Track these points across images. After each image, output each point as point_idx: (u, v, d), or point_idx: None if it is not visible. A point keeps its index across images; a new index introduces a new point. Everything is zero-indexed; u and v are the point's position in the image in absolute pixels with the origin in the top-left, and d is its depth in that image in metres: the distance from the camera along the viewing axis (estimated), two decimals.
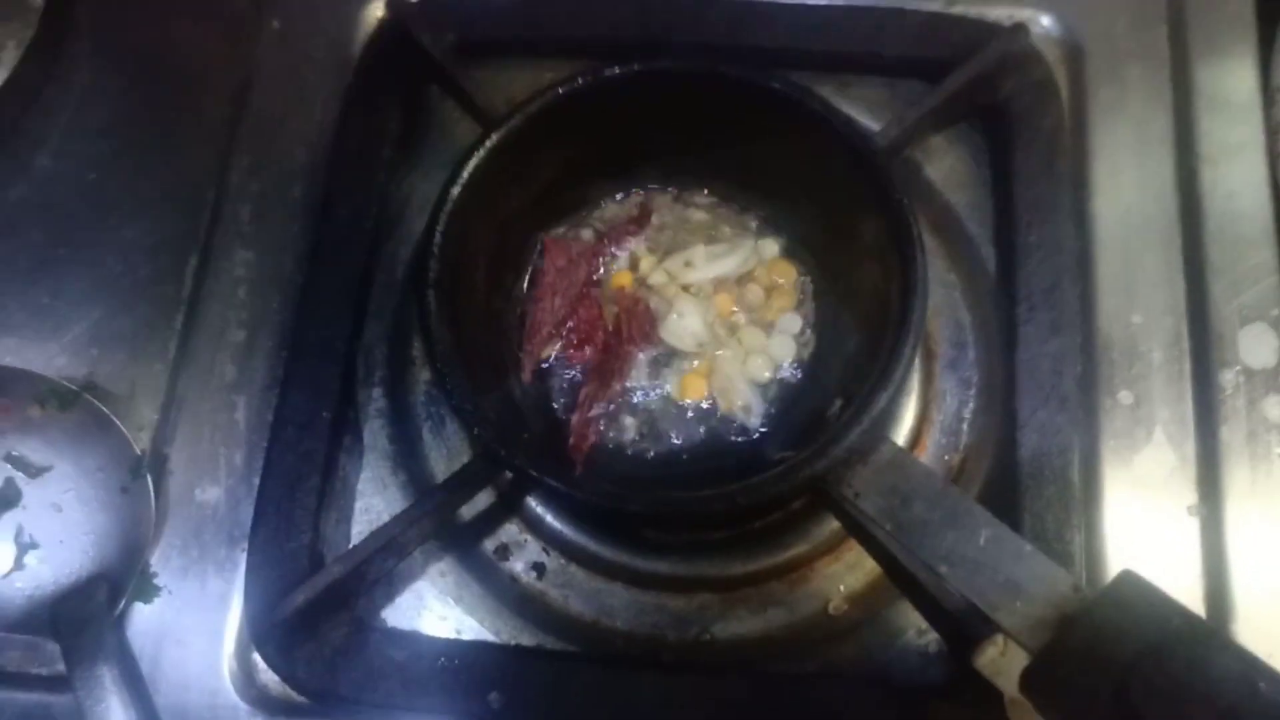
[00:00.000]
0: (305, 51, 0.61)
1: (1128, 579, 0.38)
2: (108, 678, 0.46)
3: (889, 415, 0.52)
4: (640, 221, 0.55)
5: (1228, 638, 0.45)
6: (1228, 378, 0.52)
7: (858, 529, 0.49)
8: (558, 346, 0.53)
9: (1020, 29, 0.56)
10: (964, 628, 0.47)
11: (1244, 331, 0.52)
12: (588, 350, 0.53)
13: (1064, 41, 0.60)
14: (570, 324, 0.53)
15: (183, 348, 0.56)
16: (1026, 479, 0.49)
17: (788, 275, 0.55)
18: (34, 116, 0.61)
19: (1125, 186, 0.56)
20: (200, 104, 0.61)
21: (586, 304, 0.53)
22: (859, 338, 0.51)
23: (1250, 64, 0.57)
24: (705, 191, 0.57)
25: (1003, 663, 0.45)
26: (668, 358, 0.54)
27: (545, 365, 0.54)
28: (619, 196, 0.56)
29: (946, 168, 0.58)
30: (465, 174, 0.46)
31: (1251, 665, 0.35)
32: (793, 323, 0.54)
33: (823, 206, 0.53)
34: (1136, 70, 0.58)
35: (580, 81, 0.48)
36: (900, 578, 0.49)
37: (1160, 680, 0.35)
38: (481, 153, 0.47)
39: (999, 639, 0.45)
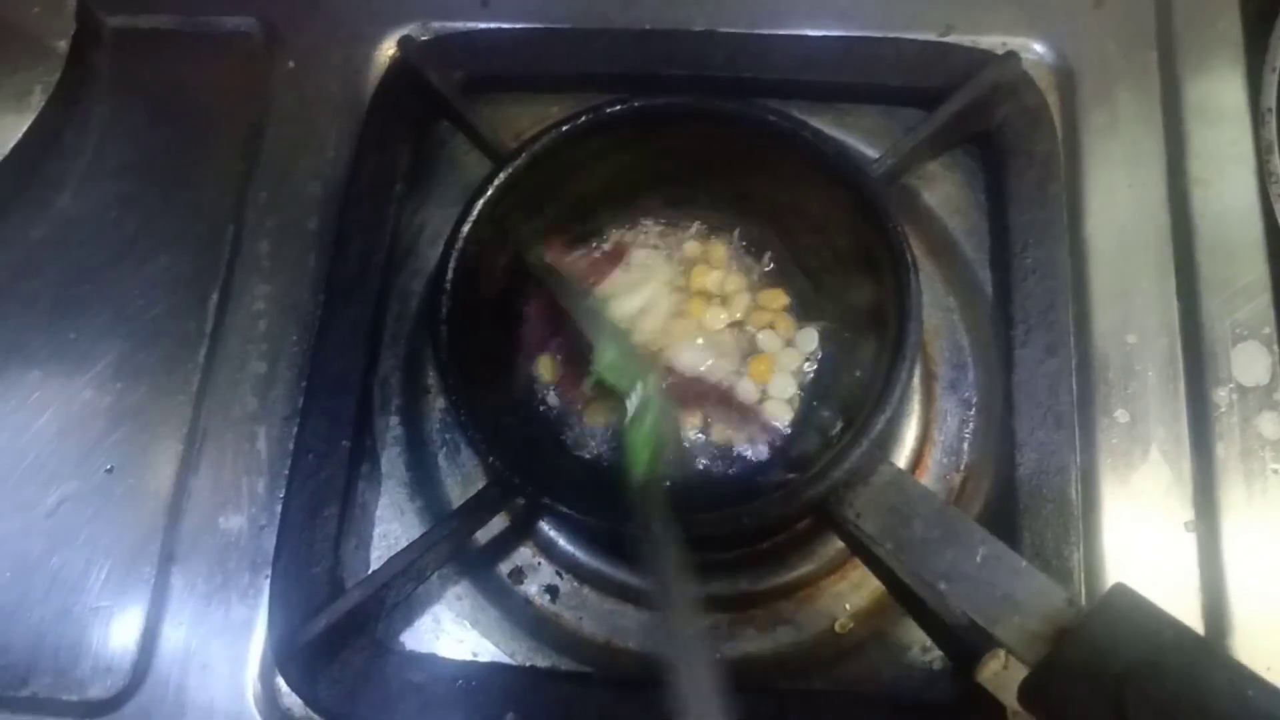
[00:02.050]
0: (319, 90, 0.63)
1: (1120, 592, 0.39)
2: None
3: (889, 437, 0.54)
4: (613, 260, 0.55)
5: (1218, 649, 0.47)
6: (1221, 395, 0.53)
7: (861, 549, 0.50)
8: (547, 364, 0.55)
9: (1012, 56, 0.57)
10: (966, 644, 0.48)
11: (1237, 349, 0.53)
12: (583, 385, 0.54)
13: (1056, 67, 0.61)
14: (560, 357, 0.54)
15: (205, 381, 0.57)
16: (1025, 498, 0.50)
17: (778, 302, 0.56)
18: (55, 158, 0.63)
19: (1119, 208, 0.57)
20: (217, 142, 0.63)
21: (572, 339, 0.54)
22: (861, 361, 0.52)
23: (1239, 85, 0.58)
24: (698, 222, 0.57)
25: (1005, 676, 0.46)
26: None
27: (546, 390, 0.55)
28: (624, 228, 0.57)
29: (944, 193, 0.59)
30: (474, 212, 0.48)
31: (1241, 675, 0.36)
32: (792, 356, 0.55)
33: (822, 234, 0.54)
34: (1127, 93, 0.59)
35: (581, 120, 0.50)
36: (903, 596, 0.50)
37: (1153, 692, 0.36)
38: (490, 191, 0.48)
39: (1001, 653, 0.46)
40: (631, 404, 0.49)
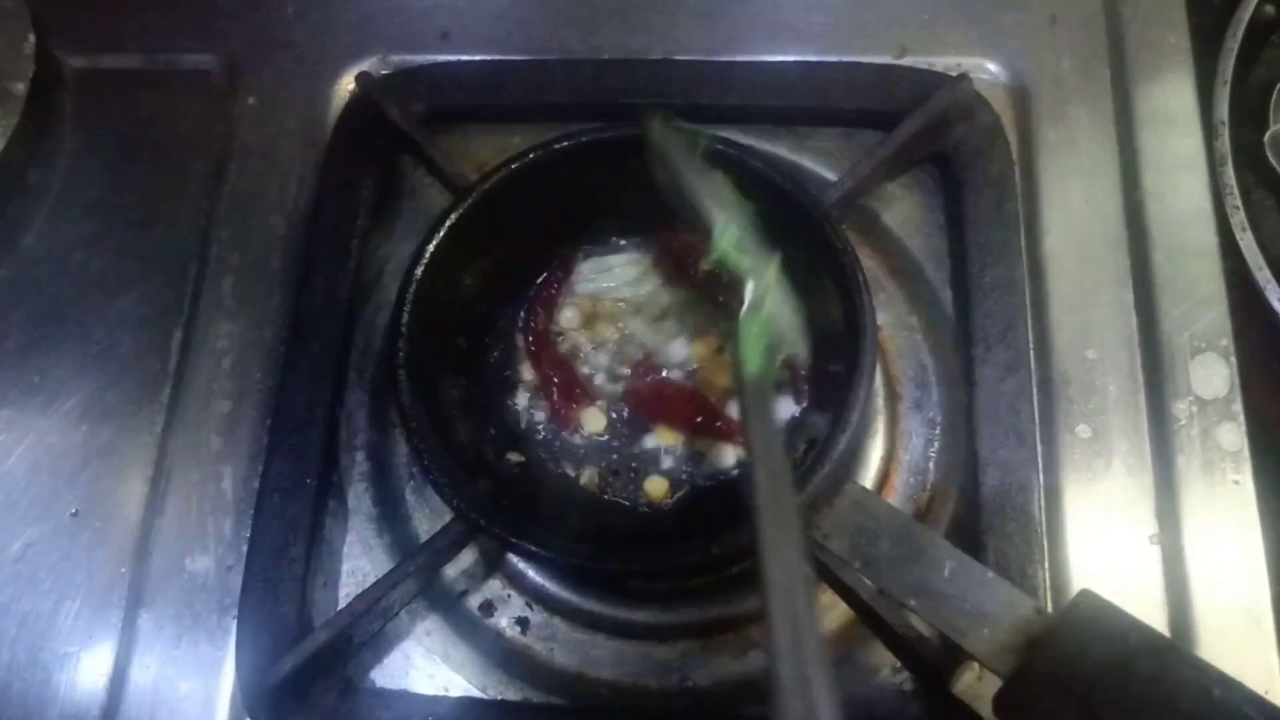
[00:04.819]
0: (280, 126, 0.63)
1: (1086, 599, 0.40)
2: None
3: (853, 457, 0.54)
4: None
5: (1183, 648, 0.47)
6: (1181, 408, 0.53)
7: (827, 573, 0.50)
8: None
9: (964, 79, 0.58)
10: (935, 662, 0.48)
11: (1195, 362, 0.54)
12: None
13: (1010, 86, 0.62)
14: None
15: (170, 420, 0.57)
16: (989, 516, 0.51)
17: None
18: (19, 199, 0.63)
19: (1076, 224, 0.58)
20: (181, 180, 0.63)
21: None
22: (824, 384, 0.53)
23: (1191, 98, 0.59)
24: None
25: (980, 687, 0.47)
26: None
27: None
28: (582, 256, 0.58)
29: (903, 214, 0.59)
30: (427, 255, 0.48)
31: (1205, 673, 0.37)
32: None
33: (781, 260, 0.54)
34: (1081, 111, 0.60)
35: (531, 156, 0.50)
36: (871, 619, 0.50)
37: (1122, 694, 0.37)
38: (442, 232, 0.49)
39: (975, 665, 0.46)
40: (749, 292, 0.47)
